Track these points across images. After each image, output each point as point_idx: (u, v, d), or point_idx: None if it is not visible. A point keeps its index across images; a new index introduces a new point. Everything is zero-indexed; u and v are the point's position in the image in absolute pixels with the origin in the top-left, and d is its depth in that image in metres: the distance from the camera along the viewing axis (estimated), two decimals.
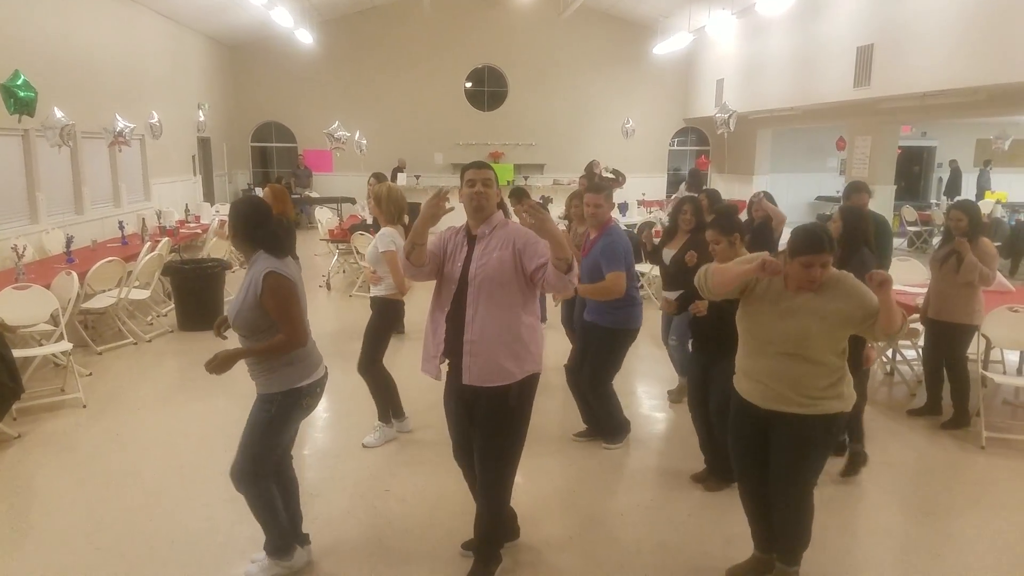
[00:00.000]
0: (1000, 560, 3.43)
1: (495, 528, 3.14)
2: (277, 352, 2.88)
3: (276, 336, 2.87)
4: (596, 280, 4.29)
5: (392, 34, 17.47)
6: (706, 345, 3.92)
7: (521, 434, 3.03)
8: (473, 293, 2.90)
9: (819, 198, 17.81)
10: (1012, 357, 6.11)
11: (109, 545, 3.45)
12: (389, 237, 4.55)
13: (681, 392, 5.39)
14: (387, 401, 4.70)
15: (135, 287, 7.19)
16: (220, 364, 2.83)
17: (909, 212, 14.09)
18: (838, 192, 15.18)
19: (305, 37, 15.28)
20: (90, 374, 5.95)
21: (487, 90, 18.21)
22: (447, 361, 3.02)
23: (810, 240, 2.74)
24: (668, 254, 5.08)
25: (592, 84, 18.05)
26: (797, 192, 17.73)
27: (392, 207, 4.63)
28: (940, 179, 17.76)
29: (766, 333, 2.86)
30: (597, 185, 4.65)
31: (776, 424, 2.90)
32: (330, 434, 4.89)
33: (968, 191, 16.30)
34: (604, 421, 4.64)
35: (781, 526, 3.01)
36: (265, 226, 2.93)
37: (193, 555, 3.37)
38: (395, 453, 4.56)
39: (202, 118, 14.22)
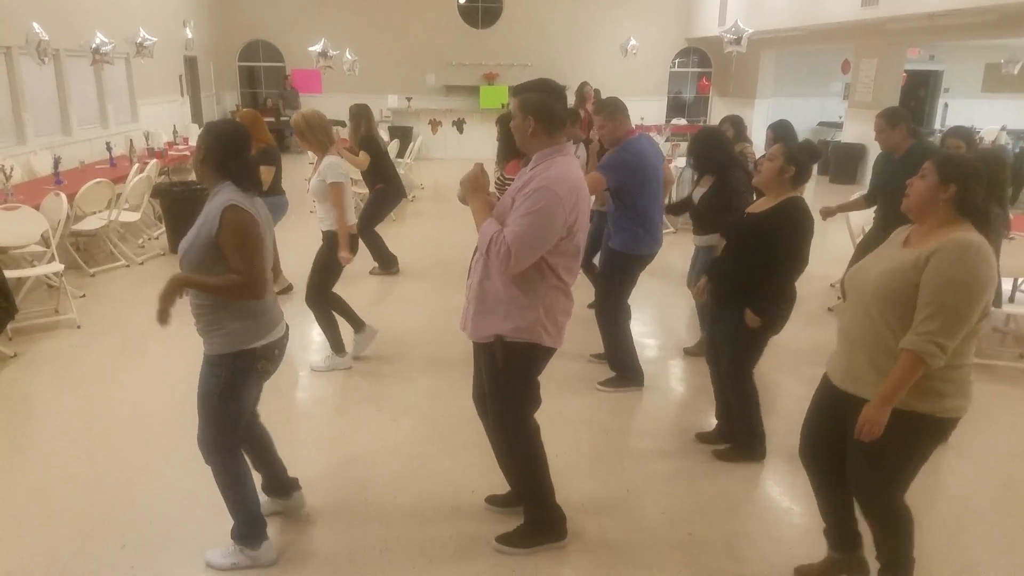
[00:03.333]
0: (984, 482, 3.52)
1: (525, 490, 2.94)
2: (230, 294, 2.50)
3: (230, 276, 2.48)
4: (621, 203, 4.20)
5: None
6: (719, 292, 3.49)
7: (515, 403, 2.77)
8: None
9: (822, 123, 17.51)
10: (1005, 285, 6.12)
11: (105, 462, 3.53)
12: (336, 166, 4.30)
13: (701, 347, 4.91)
14: (333, 332, 4.65)
15: (125, 209, 7.10)
16: (165, 296, 2.44)
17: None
18: (840, 118, 14.93)
19: None
20: (83, 296, 5.96)
21: (481, 6, 17.58)
22: None
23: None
24: (699, 192, 4.62)
25: (590, 2, 17.43)
26: (800, 117, 17.38)
27: (319, 134, 4.38)
28: (946, 105, 17.40)
29: None
30: (596, 105, 4.48)
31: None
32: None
33: (963, 119, 15.93)
34: (611, 357, 4.52)
35: (867, 513, 2.55)
36: (241, 157, 2.56)
37: (186, 472, 3.42)
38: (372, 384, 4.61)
39: (189, 36, 13.75)
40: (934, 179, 2.26)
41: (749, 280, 3.28)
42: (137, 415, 4.00)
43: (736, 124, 6.08)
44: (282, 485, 3.09)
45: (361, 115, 6.50)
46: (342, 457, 3.62)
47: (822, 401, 2.57)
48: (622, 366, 4.49)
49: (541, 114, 2.55)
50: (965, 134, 4.88)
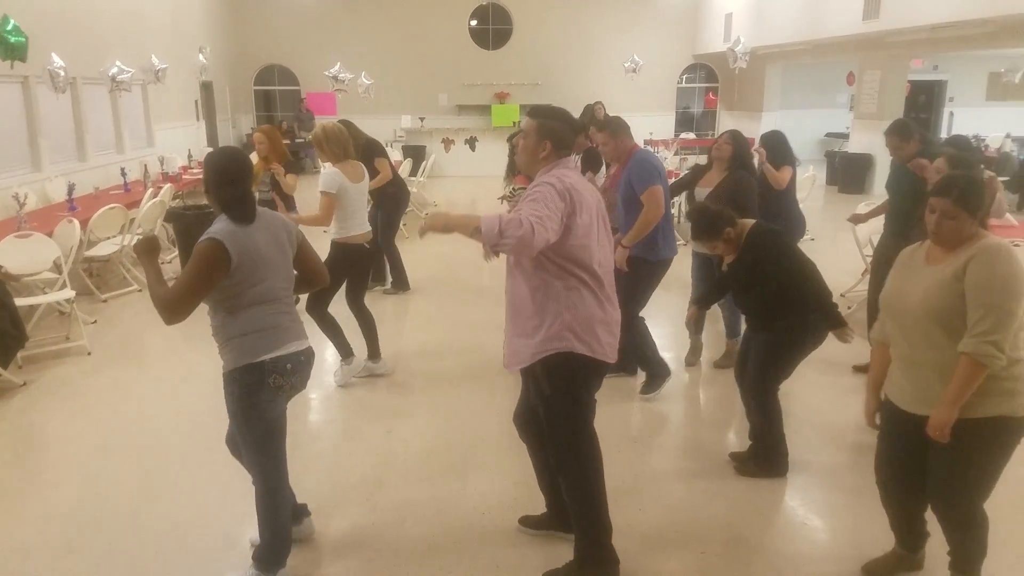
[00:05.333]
0: None
1: (580, 520, 2.81)
2: (153, 300, 2.54)
3: (169, 286, 2.54)
4: (631, 211, 4.28)
5: None
6: (746, 316, 3.70)
7: (565, 421, 2.72)
8: (509, 266, 2.71)
9: (828, 135, 17.50)
10: None
11: (114, 490, 3.57)
12: (330, 176, 4.47)
13: (696, 353, 5.16)
14: (337, 339, 4.77)
15: (138, 234, 7.27)
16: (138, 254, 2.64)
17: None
18: (847, 128, 14.93)
19: None
20: (95, 322, 6.08)
21: (491, 27, 17.82)
22: None
23: (943, 180, 2.46)
24: (702, 192, 4.80)
25: (598, 21, 17.59)
26: (807, 129, 17.42)
27: (335, 147, 4.54)
28: (951, 113, 17.34)
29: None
30: (599, 123, 4.68)
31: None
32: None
33: (969, 127, 15.86)
34: (640, 361, 4.62)
35: (948, 535, 2.65)
36: (234, 185, 2.60)
37: (195, 500, 3.48)
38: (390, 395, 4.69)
39: (204, 62, 14.06)
40: (964, 215, 2.37)
41: (770, 313, 3.46)
42: (146, 443, 4.05)
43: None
44: (292, 511, 3.04)
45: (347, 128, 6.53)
46: (351, 481, 3.63)
47: (892, 430, 2.64)
48: (651, 364, 4.59)
49: (558, 142, 2.66)
50: (961, 143, 4.98)
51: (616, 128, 4.48)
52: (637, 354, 4.60)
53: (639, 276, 4.39)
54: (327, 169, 4.54)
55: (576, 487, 2.77)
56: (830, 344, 3.48)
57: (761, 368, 3.54)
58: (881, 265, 4.55)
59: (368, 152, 6.43)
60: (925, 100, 16.98)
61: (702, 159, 8.54)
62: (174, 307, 2.49)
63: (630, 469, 3.74)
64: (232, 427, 2.79)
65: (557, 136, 2.65)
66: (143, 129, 12.14)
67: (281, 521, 2.82)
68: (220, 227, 2.57)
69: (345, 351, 4.81)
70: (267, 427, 2.71)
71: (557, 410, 2.72)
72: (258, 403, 2.65)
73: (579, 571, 2.80)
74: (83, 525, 3.28)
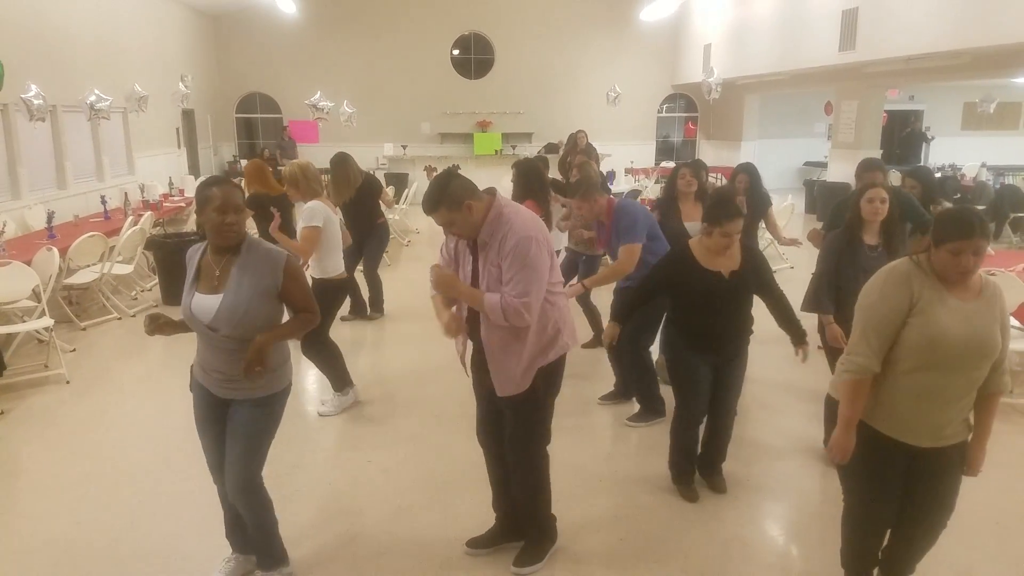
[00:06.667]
0: (974, 519, 3.52)
1: (536, 509, 3.12)
2: (293, 328, 2.83)
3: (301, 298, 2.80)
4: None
5: (377, 1, 17.21)
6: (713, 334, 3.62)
7: (545, 413, 2.99)
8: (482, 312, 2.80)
9: (807, 163, 17.78)
10: None
11: (91, 521, 3.51)
12: (316, 210, 4.47)
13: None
14: (336, 371, 4.75)
15: (118, 262, 7.19)
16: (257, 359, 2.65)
17: (895, 177, 14.09)
18: (825, 157, 15.18)
19: (288, 6, 15.04)
20: (74, 350, 5.98)
21: (474, 57, 18.01)
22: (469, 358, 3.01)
23: (958, 222, 2.34)
24: (693, 228, 4.73)
25: (580, 51, 17.85)
26: (785, 158, 17.70)
27: (314, 183, 4.57)
28: (928, 140, 17.72)
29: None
30: (574, 190, 4.74)
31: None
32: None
33: (945, 156, 16.24)
34: (639, 391, 4.65)
35: (917, 555, 2.75)
36: (202, 213, 2.64)
37: (173, 531, 3.42)
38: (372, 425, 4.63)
39: (185, 90, 14.04)
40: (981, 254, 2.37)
41: (747, 325, 3.61)
42: (125, 473, 3.97)
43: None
44: (244, 540, 3.06)
45: (348, 159, 6.56)
46: (331, 510, 3.60)
47: (890, 468, 2.57)
48: (650, 399, 4.57)
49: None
50: (922, 174, 5.09)
51: (585, 191, 4.46)
52: (639, 385, 4.61)
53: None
54: (312, 203, 4.53)
55: (537, 471, 3.05)
56: (801, 370, 3.49)
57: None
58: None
59: (374, 188, 6.56)
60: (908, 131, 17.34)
61: None
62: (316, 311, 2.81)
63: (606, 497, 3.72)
64: (240, 447, 2.78)
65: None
66: (123, 157, 12.05)
67: (275, 524, 2.99)
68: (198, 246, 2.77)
69: (343, 381, 4.78)
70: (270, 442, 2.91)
71: (541, 404, 2.94)
72: (279, 420, 2.90)
73: (540, 545, 3.15)
74: (60, 557, 3.22)
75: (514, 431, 2.97)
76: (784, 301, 3.57)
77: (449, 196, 2.65)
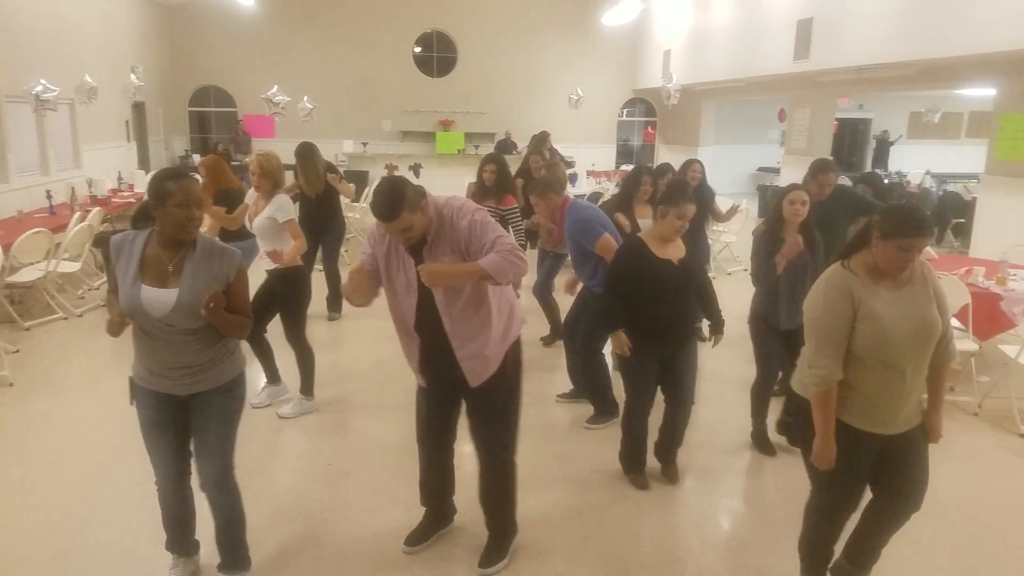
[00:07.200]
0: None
1: (509, 493, 3.18)
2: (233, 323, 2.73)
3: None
4: (584, 262, 4.44)
5: None
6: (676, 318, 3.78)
7: (517, 397, 3.05)
8: (442, 302, 2.78)
9: (760, 169, 18.17)
10: None
11: (36, 528, 3.39)
12: (287, 203, 4.52)
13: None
14: (309, 374, 4.73)
15: (65, 259, 6.95)
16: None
17: (846, 183, 14.50)
18: (778, 163, 15.53)
19: None
20: (17, 351, 5.75)
21: (436, 55, 17.91)
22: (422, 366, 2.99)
23: (910, 219, 2.42)
24: (644, 224, 5.00)
25: (543, 53, 17.90)
26: (739, 163, 18.06)
27: (278, 175, 4.57)
28: (875, 149, 18.30)
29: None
30: (530, 188, 4.81)
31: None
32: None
33: (897, 163, 16.82)
34: (592, 395, 4.69)
35: (887, 539, 2.85)
36: (146, 217, 2.67)
37: (121, 538, 3.33)
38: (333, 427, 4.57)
39: (137, 82, 13.64)
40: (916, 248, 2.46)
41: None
42: (73, 479, 3.84)
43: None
44: (190, 545, 3.03)
45: (314, 150, 6.48)
46: (292, 515, 3.54)
47: (863, 459, 2.65)
48: (604, 401, 4.63)
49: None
50: (872, 180, 5.25)
51: (543, 189, 4.60)
52: (593, 387, 4.65)
53: (598, 308, 4.41)
54: (283, 196, 4.54)
55: (511, 464, 3.09)
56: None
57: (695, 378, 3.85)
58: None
59: (331, 173, 6.52)
60: (850, 141, 17.84)
61: None
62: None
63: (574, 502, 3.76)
64: (215, 436, 2.76)
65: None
66: (70, 150, 11.65)
67: (244, 513, 2.97)
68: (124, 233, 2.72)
69: (311, 388, 4.79)
70: None
71: (513, 386, 2.98)
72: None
73: (504, 540, 3.18)
74: (3, 566, 3.10)
75: (489, 423, 2.99)
76: (713, 293, 3.86)
77: (408, 200, 2.61)
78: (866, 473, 2.69)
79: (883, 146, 17.31)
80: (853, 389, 2.58)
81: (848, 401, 2.59)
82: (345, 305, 7.01)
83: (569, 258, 4.76)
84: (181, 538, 2.98)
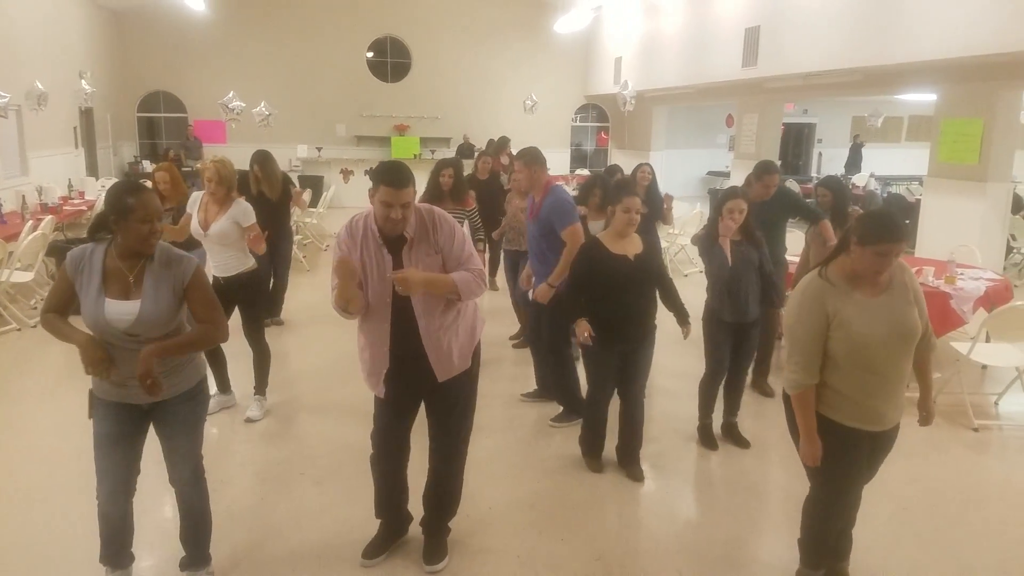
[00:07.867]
0: (883, 503, 3.84)
1: (457, 488, 3.27)
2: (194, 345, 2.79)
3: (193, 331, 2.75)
4: (548, 241, 4.47)
5: (289, 1, 16.86)
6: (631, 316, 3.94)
7: (476, 392, 3.17)
8: (419, 305, 2.82)
9: (710, 172, 18.63)
10: None
11: None
12: (249, 209, 4.58)
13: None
14: (265, 373, 4.83)
15: (17, 269, 6.78)
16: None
17: (793, 185, 14.97)
18: (727, 167, 15.95)
19: (196, 3, 14.50)
20: None
21: (390, 61, 17.91)
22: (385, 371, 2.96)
23: (889, 227, 2.49)
24: (595, 226, 4.98)
25: (496, 59, 18.05)
26: (690, 167, 18.50)
27: (234, 179, 4.62)
28: (820, 154, 18.90)
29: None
30: (519, 153, 4.88)
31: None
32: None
33: (836, 167, 17.36)
34: (560, 395, 4.75)
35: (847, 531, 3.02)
36: (103, 229, 2.63)
37: (69, 554, 3.23)
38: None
39: (88, 88, 13.31)
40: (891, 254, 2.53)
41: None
42: (24, 497, 3.71)
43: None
44: (126, 558, 2.96)
45: (270, 155, 6.49)
46: (265, 529, 3.46)
47: (858, 454, 2.73)
48: (571, 401, 4.67)
49: None
50: (833, 184, 5.48)
51: (531, 159, 4.62)
52: (561, 386, 4.73)
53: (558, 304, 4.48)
54: (244, 203, 4.59)
55: (464, 457, 3.21)
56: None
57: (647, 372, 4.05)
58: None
59: (289, 189, 6.61)
60: (800, 143, 18.31)
61: None
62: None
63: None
64: (184, 439, 2.83)
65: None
66: (16, 157, 11.32)
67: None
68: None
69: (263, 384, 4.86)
70: None
71: (475, 382, 3.11)
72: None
73: (446, 533, 3.28)
74: None
75: (452, 415, 3.07)
76: (672, 286, 4.02)
77: (413, 178, 2.78)
78: (863, 469, 2.78)
79: (856, 150, 17.77)
80: (838, 391, 2.65)
81: (835, 401, 2.67)
82: (310, 312, 7.02)
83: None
84: (119, 552, 2.92)
